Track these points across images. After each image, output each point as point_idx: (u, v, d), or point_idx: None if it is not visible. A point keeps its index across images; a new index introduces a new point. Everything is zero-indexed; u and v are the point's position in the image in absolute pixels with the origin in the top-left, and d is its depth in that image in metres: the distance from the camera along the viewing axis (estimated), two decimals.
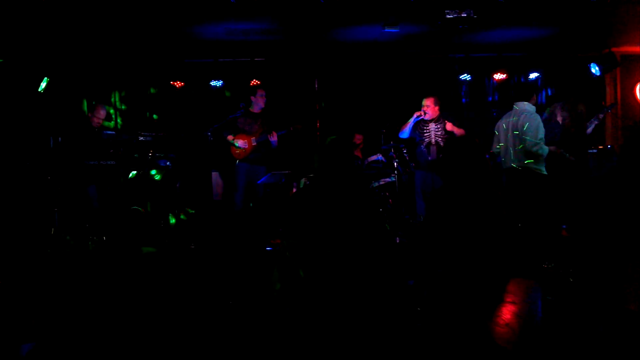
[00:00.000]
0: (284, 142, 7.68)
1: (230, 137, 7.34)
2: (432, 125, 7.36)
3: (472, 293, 4.58)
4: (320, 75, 9.65)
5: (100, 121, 7.46)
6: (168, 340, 3.67)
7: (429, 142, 7.33)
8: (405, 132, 7.43)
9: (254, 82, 8.91)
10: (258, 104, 7.46)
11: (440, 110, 7.39)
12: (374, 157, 8.52)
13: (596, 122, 7.34)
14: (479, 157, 6.02)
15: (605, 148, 7.36)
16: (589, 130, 7.29)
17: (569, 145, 7.10)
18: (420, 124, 7.39)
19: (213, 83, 9.01)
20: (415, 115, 7.32)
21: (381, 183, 8.05)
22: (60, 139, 7.20)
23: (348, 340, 3.36)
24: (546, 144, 6.28)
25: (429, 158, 7.31)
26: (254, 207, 7.42)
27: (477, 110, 9.60)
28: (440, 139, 7.29)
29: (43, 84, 8.05)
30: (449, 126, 7.25)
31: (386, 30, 7.55)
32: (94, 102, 7.48)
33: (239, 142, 7.31)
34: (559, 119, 7.32)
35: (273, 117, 7.68)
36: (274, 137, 7.29)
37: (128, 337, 3.76)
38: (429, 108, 7.31)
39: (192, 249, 6.95)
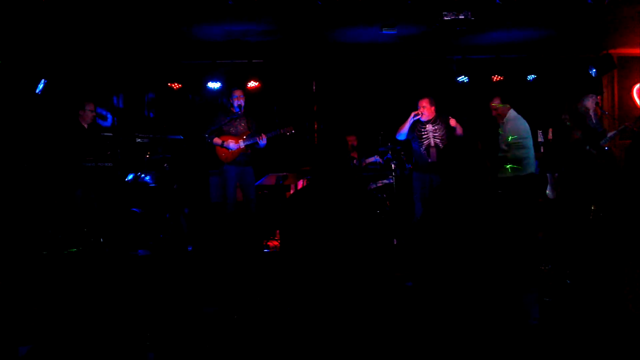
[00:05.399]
0: (274, 143, 7.62)
1: (217, 140, 7.24)
2: (429, 127, 7.33)
3: (468, 295, 4.57)
4: (318, 77, 9.65)
5: (91, 117, 7.33)
6: (166, 341, 3.67)
7: (429, 144, 7.29)
8: (403, 134, 7.39)
9: (252, 83, 8.89)
10: (234, 104, 7.34)
11: (436, 111, 7.37)
12: (371, 159, 8.50)
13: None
14: (477, 159, 6.02)
15: (602, 149, 7.36)
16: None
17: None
18: (418, 125, 7.35)
19: (210, 84, 9.00)
20: (412, 116, 7.27)
21: (379, 185, 8.05)
22: (50, 139, 7.17)
23: (346, 341, 3.36)
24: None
25: (429, 160, 7.27)
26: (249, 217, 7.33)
27: (475, 112, 9.59)
28: (439, 141, 7.26)
29: (40, 86, 8.03)
30: (453, 122, 7.23)
31: (384, 32, 7.55)
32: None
33: (231, 144, 7.22)
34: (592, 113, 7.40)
35: (259, 117, 7.63)
36: (263, 140, 7.21)
37: (126, 338, 3.75)
38: (425, 109, 7.28)
39: (190, 251, 6.95)
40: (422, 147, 7.31)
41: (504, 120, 6.81)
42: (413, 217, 7.51)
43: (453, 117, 7.34)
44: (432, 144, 7.26)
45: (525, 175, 6.70)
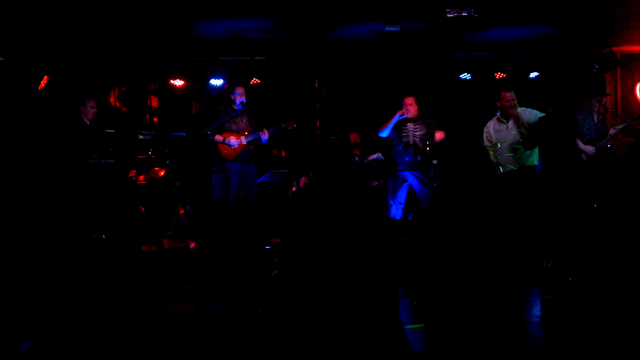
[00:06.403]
0: (276, 139, 7.62)
1: (219, 137, 7.24)
2: (410, 125, 7.24)
3: (470, 293, 4.57)
4: (321, 74, 9.65)
5: (93, 113, 7.34)
6: (167, 339, 3.67)
7: (407, 143, 7.22)
8: (386, 131, 7.26)
9: (254, 80, 8.90)
10: (236, 101, 7.34)
11: (419, 110, 7.29)
12: (373, 156, 8.51)
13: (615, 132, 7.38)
14: (481, 157, 6.00)
15: (605, 148, 7.36)
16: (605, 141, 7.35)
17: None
18: (399, 123, 7.29)
19: (213, 81, 9.00)
20: (398, 114, 7.19)
21: (381, 182, 8.05)
22: (52, 136, 7.18)
23: (347, 339, 3.36)
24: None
25: (406, 159, 7.24)
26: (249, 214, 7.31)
27: (478, 109, 9.57)
28: (418, 140, 7.20)
29: (42, 82, 8.04)
30: (439, 135, 7.27)
31: (387, 29, 7.54)
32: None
33: (232, 140, 7.22)
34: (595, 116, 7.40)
35: (261, 114, 7.62)
36: (265, 135, 7.21)
37: (127, 335, 3.76)
38: (411, 107, 7.21)
39: (192, 247, 6.95)
40: (401, 145, 7.26)
41: (517, 112, 6.51)
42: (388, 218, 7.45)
43: (435, 119, 7.34)
44: (411, 142, 7.21)
45: (529, 166, 6.57)
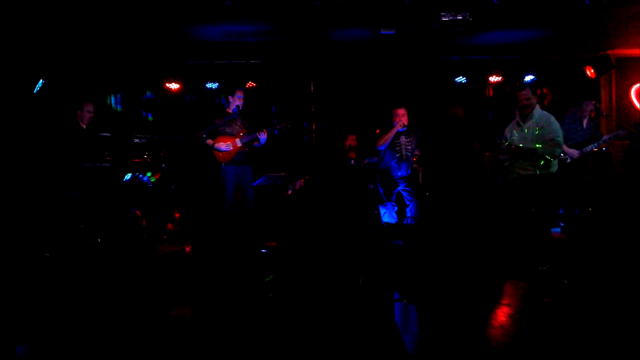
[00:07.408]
0: (272, 142, 7.61)
1: (209, 142, 7.22)
2: (402, 139, 7.17)
3: (467, 295, 4.58)
4: (316, 77, 9.66)
5: (89, 117, 7.32)
6: (164, 341, 3.67)
7: (401, 157, 7.19)
8: (386, 145, 7.19)
9: (250, 84, 8.90)
10: (233, 104, 7.34)
11: (408, 121, 7.22)
12: (369, 159, 8.51)
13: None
14: (476, 160, 6.03)
15: (600, 150, 7.39)
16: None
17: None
18: (393, 137, 7.25)
19: (209, 85, 9.00)
20: (400, 126, 7.10)
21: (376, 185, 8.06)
22: (48, 139, 7.17)
23: (342, 340, 3.37)
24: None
25: (399, 173, 7.21)
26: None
27: (473, 113, 9.60)
28: (410, 154, 7.16)
29: (38, 86, 8.03)
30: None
31: (382, 32, 7.55)
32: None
33: (222, 146, 7.20)
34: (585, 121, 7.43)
35: (255, 116, 7.62)
36: (263, 135, 7.20)
37: (123, 338, 3.75)
38: (404, 117, 7.15)
39: (188, 251, 6.94)
40: (394, 159, 7.20)
41: (532, 113, 6.15)
42: (411, 216, 7.46)
43: (423, 130, 7.35)
44: (404, 156, 7.17)
45: (550, 173, 6.15)
